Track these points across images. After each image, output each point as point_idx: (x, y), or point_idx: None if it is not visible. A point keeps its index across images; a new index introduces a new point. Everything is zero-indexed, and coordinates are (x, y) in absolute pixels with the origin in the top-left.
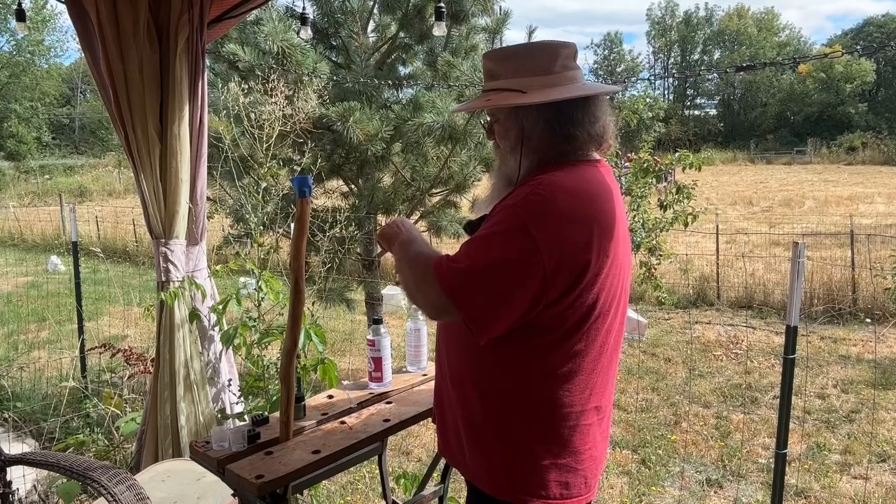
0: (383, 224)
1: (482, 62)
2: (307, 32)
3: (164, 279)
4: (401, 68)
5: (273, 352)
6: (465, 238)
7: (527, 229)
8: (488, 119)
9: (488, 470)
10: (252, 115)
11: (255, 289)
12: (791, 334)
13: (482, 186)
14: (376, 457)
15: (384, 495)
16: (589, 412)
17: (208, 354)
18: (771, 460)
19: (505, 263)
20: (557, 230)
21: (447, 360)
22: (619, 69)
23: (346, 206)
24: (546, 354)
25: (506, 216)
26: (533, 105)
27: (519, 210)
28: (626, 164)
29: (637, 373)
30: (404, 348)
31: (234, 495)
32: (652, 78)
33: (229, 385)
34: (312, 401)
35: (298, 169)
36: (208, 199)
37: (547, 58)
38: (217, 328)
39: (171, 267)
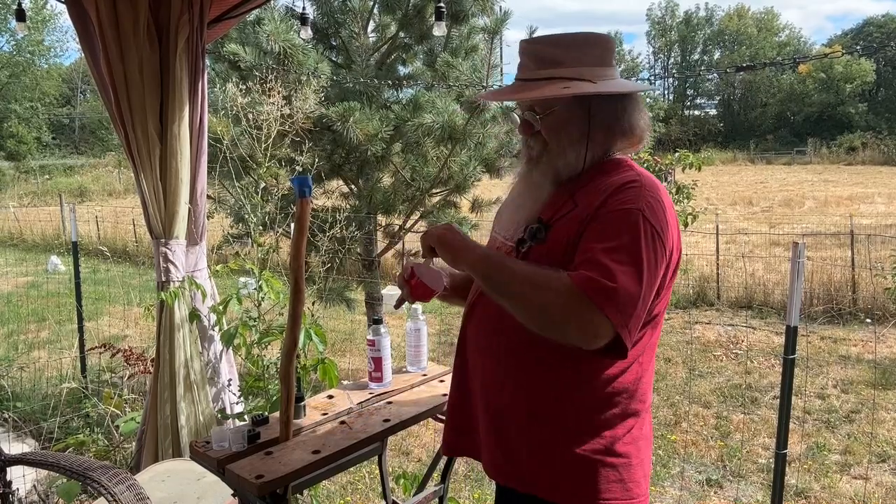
0: (434, 228)
1: (528, 47)
2: (307, 32)
3: (164, 279)
4: (401, 68)
5: (273, 352)
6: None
7: (657, 233)
8: (519, 109)
9: (603, 487)
10: (251, 115)
11: (255, 289)
12: (791, 334)
13: (482, 186)
14: (376, 457)
15: (384, 495)
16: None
17: (208, 354)
18: (771, 460)
19: (648, 270)
20: (673, 229)
21: (514, 377)
22: (619, 69)
23: (347, 206)
24: (639, 350)
25: (635, 221)
26: (602, 96)
27: (647, 214)
28: None
29: None
30: (404, 348)
31: (234, 495)
32: (652, 78)
33: (229, 385)
34: (312, 401)
35: (301, 169)
36: (208, 198)
37: (605, 49)
38: (217, 328)
39: (171, 267)
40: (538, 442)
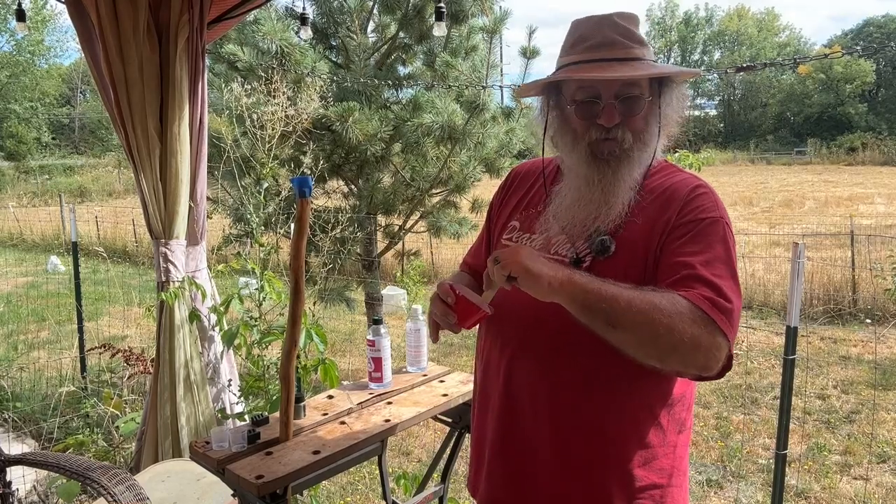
0: (511, 252)
1: (614, 21)
2: (307, 32)
3: (164, 279)
4: (400, 68)
5: (273, 352)
6: (467, 239)
7: (734, 241)
8: (583, 94)
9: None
10: (254, 116)
11: (256, 289)
12: (791, 335)
13: (482, 186)
14: (376, 457)
15: (384, 496)
16: None
17: (208, 354)
18: (771, 461)
19: (739, 281)
20: None
21: (597, 411)
22: None
23: (347, 206)
24: None
25: (722, 231)
26: (668, 85)
27: (727, 221)
28: None
29: None
30: (404, 348)
31: (233, 495)
32: None
33: (229, 385)
34: (312, 401)
35: (306, 170)
36: (208, 198)
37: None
38: (217, 328)
39: (171, 267)
40: (627, 474)
